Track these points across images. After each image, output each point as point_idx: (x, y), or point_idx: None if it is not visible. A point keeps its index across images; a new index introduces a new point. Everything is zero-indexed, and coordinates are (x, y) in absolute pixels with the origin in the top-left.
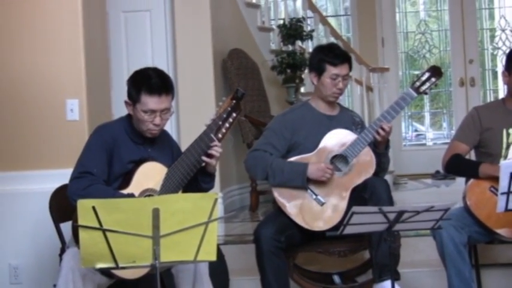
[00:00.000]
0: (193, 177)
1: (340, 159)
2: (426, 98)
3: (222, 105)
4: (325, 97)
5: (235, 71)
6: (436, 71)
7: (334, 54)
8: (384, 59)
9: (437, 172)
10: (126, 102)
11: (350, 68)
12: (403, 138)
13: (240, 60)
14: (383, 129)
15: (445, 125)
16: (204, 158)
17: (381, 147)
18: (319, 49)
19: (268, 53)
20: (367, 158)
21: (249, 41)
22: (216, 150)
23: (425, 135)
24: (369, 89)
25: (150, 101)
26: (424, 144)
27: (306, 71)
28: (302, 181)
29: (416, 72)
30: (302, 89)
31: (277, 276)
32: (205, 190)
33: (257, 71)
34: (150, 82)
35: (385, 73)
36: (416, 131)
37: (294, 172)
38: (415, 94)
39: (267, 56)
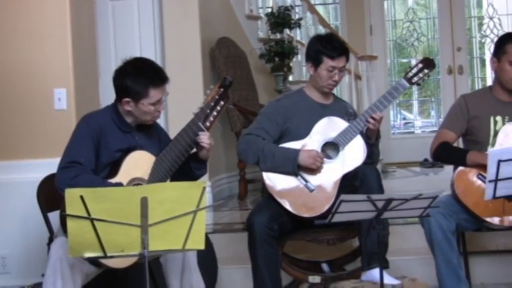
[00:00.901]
0: (185, 164)
1: (331, 146)
2: (414, 87)
3: (210, 94)
4: (320, 88)
5: (223, 60)
6: (429, 63)
7: (332, 47)
8: (372, 47)
9: (426, 160)
10: (122, 102)
11: (347, 60)
12: (392, 127)
13: (228, 48)
14: (374, 118)
15: (433, 113)
16: (198, 146)
17: (372, 137)
18: (318, 39)
19: (257, 42)
20: (358, 146)
21: (237, 29)
22: (203, 140)
23: (414, 124)
24: (357, 77)
25: (158, 93)
26: (413, 132)
27: (294, 59)
28: (293, 167)
29: (405, 61)
30: (290, 78)
31: (269, 265)
32: (198, 177)
33: (245, 59)
34: (157, 76)
35: (373, 61)
36: (404, 119)
37: (285, 158)
38: (407, 84)
39: (255, 44)
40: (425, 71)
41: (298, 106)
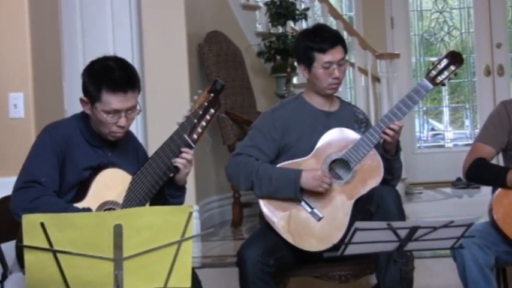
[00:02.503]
0: (159, 191)
1: (340, 164)
2: (444, 90)
3: (198, 100)
4: (322, 90)
5: (213, 59)
6: (455, 58)
7: (321, 38)
8: (393, 43)
9: (459, 180)
10: (82, 100)
11: (345, 51)
12: (417, 139)
13: (219, 45)
14: (391, 129)
15: (467, 122)
16: (177, 163)
17: (390, 150)
18: (303, 35)
19: (254, 36)
20: (373, 163)
21: (230, 21)
22: (184, 157)
23: (444, 135)
24: (376, 79)
25: (114, 100)
26: (443, 146)
27: None
28: (295, 192)
29: (433, 59)
30: (295, 80)
31: None
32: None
33: (240, 58)
34: (112, 77)
35: (394, 60)
36: (433, 129)
37: (284, 181)
38: (430, 85)
39: (252, 39)
40: (452, 67)
41: (298, 116)
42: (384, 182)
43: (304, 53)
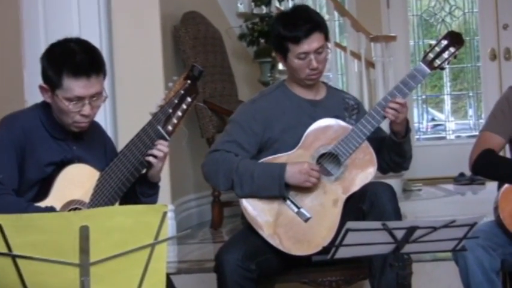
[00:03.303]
0: (130, 189)
1: (329, 158)
2: (446, 76)
3: (173, 88)
4: (300, 81)
5: (190, 42)
6: (455, 38)
7: (294, 26)
8: (389, 25)
9: (462, 175)
10: (41, 88)
11: (325, 37)
12: (416, 130)
13: (197, 27)
14: (392, 107)
15: (471, 112)
16: (149, 158)
17: (400, 132)
18: (277, 20)
19: (235, 18)
20: (365, 156)
21: (209, 1)
22: (160, 149)
23: (445, 126)
24: (370, 64)
25: (76, 86)
26: (444, 138)
27: None
28: (279, 189)
29: (433, 42)
30: (280, 65)
31: None
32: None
33: (220, 41)
34: (74, 60)
35: (390, 43)
36: (433, 120)
37: (267, 177)
38: (428, 70)
39: (233, 21)
40: (451, 49)
41: (281, 107)
42: (396, 165)
43: (277, 41)
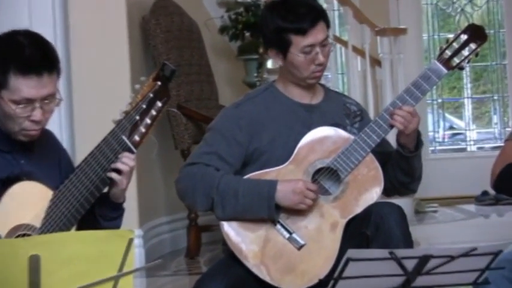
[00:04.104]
0: (89, 211)
1: (327, 175)
2: (466, 76)
3: (141, 90)
4: (302, 81)
5: (162, 36)
6: (476, 32)
7: (296, 16)
8: (398, 16)
9: (485, 193)
10: None
11: (328, 26)
12: (431, 141)
13: (170, 17)
14: (398, 114)
15: (495, 118)
16: (112, 175)
17: (407, 145)
18: (270, 10)
19: (216, 7)
20: (370, 172)
21: None
22: (124, 162)
23: (466, 135)
24: (376, 62)
25: (25, 86)
26: (464, 150)
27: None
28: (268, 210)
29: (451, 36)
30: (269, 64)
31: None
32: None
33: (197, 34)
34: (22, 55)
35: (400, 37)
36: (451, 128)
37: (255, 196)
38: (444, 70)
39: (213, 11)
40: (472, 45)
41: (270, 112)
42: (401, 186)
43: (275, 35)
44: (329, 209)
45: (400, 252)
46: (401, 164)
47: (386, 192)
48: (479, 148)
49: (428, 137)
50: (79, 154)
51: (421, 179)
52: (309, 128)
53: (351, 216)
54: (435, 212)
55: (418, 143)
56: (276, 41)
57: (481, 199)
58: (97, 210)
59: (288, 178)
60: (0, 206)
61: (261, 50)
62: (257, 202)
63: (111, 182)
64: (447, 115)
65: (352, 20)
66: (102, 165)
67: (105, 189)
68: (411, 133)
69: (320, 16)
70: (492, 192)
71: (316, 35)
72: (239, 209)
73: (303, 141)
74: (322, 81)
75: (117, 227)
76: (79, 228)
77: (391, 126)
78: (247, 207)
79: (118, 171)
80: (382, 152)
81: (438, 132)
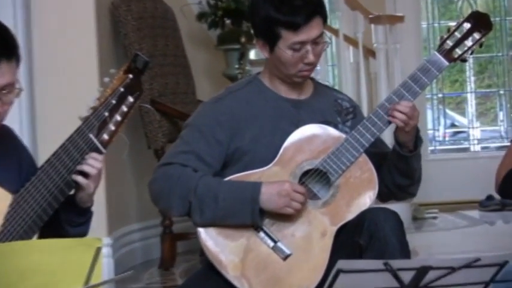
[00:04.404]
0: (53, 217)
1: (316, 177)
2: (469, 69)
3: (110, 84)
4: (287, 78)
5: (134, 23)
6: (480, 21)
7: (290, 8)
8: (395, 2)
9: (490, 198)
10: None
11: (324, 22)
12: (430, 140)
13: (142, 3)
14: (400, 111)
15: (502, 115)
16: (78, 178)
17: (406, 143)
18: None
19: None
20: (363, 174)
21: None
22: (91, 164)
23: (469, 134)
24: (369, 53)
25: None
26: (467, 150)
27: None
28: (252, 215)
29: (452, 24)
30: (252, 54)
31: None
32: (74, 238)
33: (173, 22)
34: None
35: (396, 25)
36: (452, 125)
37: (236, 200)
38: (445, 62)
39: None
40: (476, 35)
41: (254, 108)
42: (399, 189)
43: (264, 25)
44: (318, 216)
45: (396, 263)
46: (400, 165)
47: (381, 197)
48: (483, 148)
49: (427, 136)
50: (41, 154)
51: (421, 180)
52: (296, 126)
53: (342, 223)
54: (435, 218)
55: (417, 140)
56: (264, 32)
57: (486, 204)
58: (62, 216)
59: (272, 180)
60: None
61: (243, 39)
62: (239, 206)
63: (77, 185)
64: (448, 111)
65: (343, 6)
66: (67, 167)
67: (71, 192)
68: (411, 130)
69: (317, 11)
70: (497, 196)
71: (310, 31)
72: (219, 214)
73: (290, 140)
74: (311, 74)
75: (85, 233)
76: (42, 236)
77: (387, 124)
78: (228, 211)
79: (85, 174)
80: (377, 153)
81: (438, 130)
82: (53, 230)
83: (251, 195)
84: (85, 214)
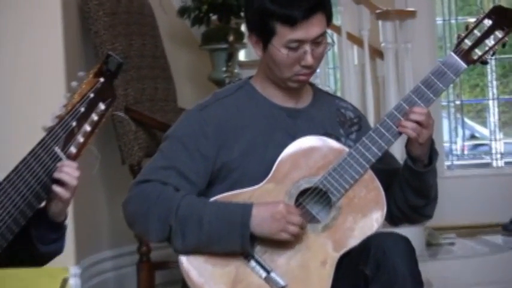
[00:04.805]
0: (22, 232)
1: (315, 197)
2: (491, 70)
3: (78, 89)
4: (281, 81)
5: (105, 20)
6: (503, 17)
7: (288, 0)
8: None
9: None
10: None
11: (328, 20)
12: (447, 154)
13: None
14: (413, 120)
15: None
16: (57, 189)
17: (420, 157)
18: None
19: None
20: (369, 193)
21: None
22: (68, 172)
23: (491, 147)
24: (377, 53)
25: None
26: (489, 165)
27: None
28: (242, 242)
29: (472, 21)
30: (241, 55)
31: None
32: (47, 257)
33: (151, 18)
34: None
35: (407, 22)
36: (472, 137)
37: (224, 223)
38: (463, 64)
39: None
40: (498, 34)
41: (244, 117)
42: (413, 211)
43: (258, 18)
44: (317, 241)
45: None
46: (413, 182)
47: (393, 221)
48: (507, 163)
49: (443, 149)
50: (1, 170)
51: (437, 199)
52: (293, 138)
53: (345, 249)
54: (452, 244)
55: (432, 153)
56: (257, 26)
57: (510, 228)
58: (33, 233)
59: (265, 200)
60: None
61: (231, 38)
62: (227, 231)
63: (49, 198)
64: (467, 121)
65: (347, 0)
66: (30, 185)
67: (43, 204)
68: (425, 142)
69: (320, 5)
70: None
71: (309, 29)
72: (204, 240)
73: (285, 154)
74: (309, 79)
75: (61, 250)
76: (8, 256)
77: (397, 135)
78: (214, 237)
79: (60, 183)
80: (385, 170)
81: (456, 142)
82: (22, 248)
83: (241, 219)
84: (59, 229)
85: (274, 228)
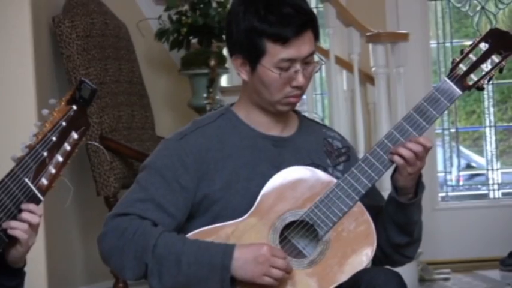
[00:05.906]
0: None
1: (301, 231)
2: (487, 97)
3: (50, 117)
4: (270, 105)
5: (79, 43)
6: (501, 40)
7: (279, 17)
8: (397, 16)
9: None
10: None
11: (316, 38)
12: (441, 184)
13: (89, 18)
14: (410, 149)
15: None
16: (16, 232)
17: (406, 189)
18: (247, 5)
19: (151, 3)
20: (359, 227)
21: None
22: (28, 219)
23: (487, 177)
24: (367, 78)
25: None
26: (485, 196)
27: None
28: (221, 285)
29: (469, 43)
30: (223, 81)
31: None
32: None
33: (127, 41)
34: None
35: (399, 44)
36: (468, 167)
37: (204, 265)
38: (458, 90)
39: (148, 10)
40: (495, 58)
41: (226, 146)
42: (395, 250)
43: (246, 38)
44: (303, 278)
45: None
46: (397, 217)
47: (373, 261)
48: (505, 194)
49: (437, 180)
50: None
51: (421, 239)
52: (278, 169)
53: (332, 286)
54: (447, 280)
55: (419, 186)
56: (245, 46)
57: (508, 263)
58: None
59: (248, 235)
60: None
61: (212, 62)
62: (206, 273)
63: (9, 242)
64: (463, 149)
65: (335, 22)
66: None
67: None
68: (415, 173)
69: (309, 23)
70: None
71: (301, 47)
72: (181, 281)
73: (269, 186)
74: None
75: None
76: None
77: (388, 165)
78: (192, 279)
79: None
80: (373, 206)
81: (451, 172)
82: None
83: (221, 261)
84: (17, 276)
85: (257, 272)
